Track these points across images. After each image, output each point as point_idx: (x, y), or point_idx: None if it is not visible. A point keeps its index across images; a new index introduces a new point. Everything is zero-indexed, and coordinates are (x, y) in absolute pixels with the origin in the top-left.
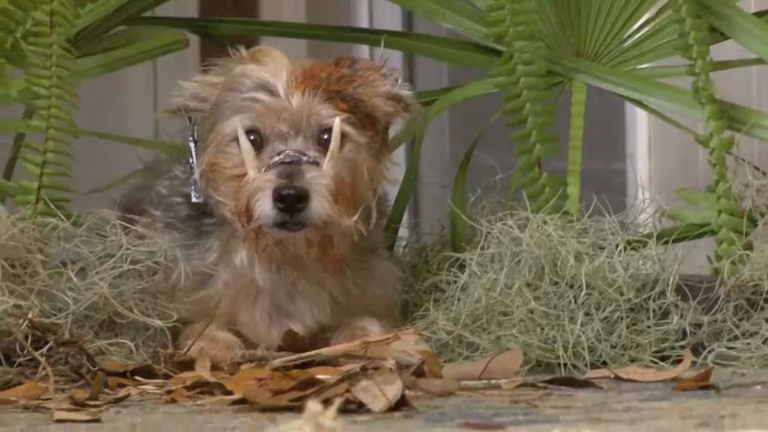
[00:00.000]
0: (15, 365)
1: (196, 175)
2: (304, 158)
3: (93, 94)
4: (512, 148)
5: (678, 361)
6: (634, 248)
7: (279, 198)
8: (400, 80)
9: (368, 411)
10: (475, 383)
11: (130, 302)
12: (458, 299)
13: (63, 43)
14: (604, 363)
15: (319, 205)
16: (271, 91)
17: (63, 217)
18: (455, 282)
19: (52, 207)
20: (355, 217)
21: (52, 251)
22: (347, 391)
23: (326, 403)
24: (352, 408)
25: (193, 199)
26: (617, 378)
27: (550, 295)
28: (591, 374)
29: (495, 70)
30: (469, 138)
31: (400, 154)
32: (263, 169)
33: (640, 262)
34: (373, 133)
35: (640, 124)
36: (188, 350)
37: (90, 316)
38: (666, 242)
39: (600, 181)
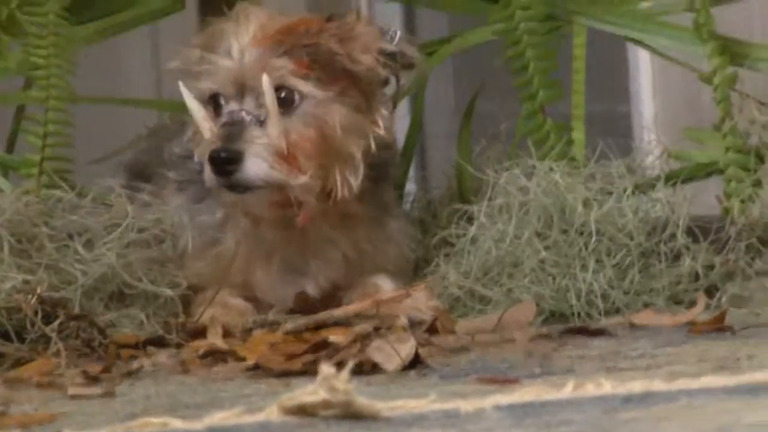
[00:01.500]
0: (26, 342)
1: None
2: (248, 118)
3: (92, 61)
4: (516, 96)
5: (692, 304)
6: (642, 191)
7: (211, 160)
8: (398, 35)
9: (382, 371)
10: (489, 337)
11: (139, 272)
12: (468, 252)
13: (59, 11)
14: (618, 310)
15: (255, 166)
16: (228, 52)
17: (67, 189)
18: (464, 235)
19: (56, 179)
20: (308, 175)
21: (58, 224)
22: (360, 351)
23: (340, 365)
24: (367, 369)
25: (196, 159)
26: (632, 324)
27: (560, 244)
28: (605, 322)
29: (494, 16)
30: (473, 87)
31: (403, 106)
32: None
33: (649, 205)
34: (348, 85)
35: (642, 64)
36: (199, 318)
37: (99, 288)
38: (674, 183)
39: (605, 124)
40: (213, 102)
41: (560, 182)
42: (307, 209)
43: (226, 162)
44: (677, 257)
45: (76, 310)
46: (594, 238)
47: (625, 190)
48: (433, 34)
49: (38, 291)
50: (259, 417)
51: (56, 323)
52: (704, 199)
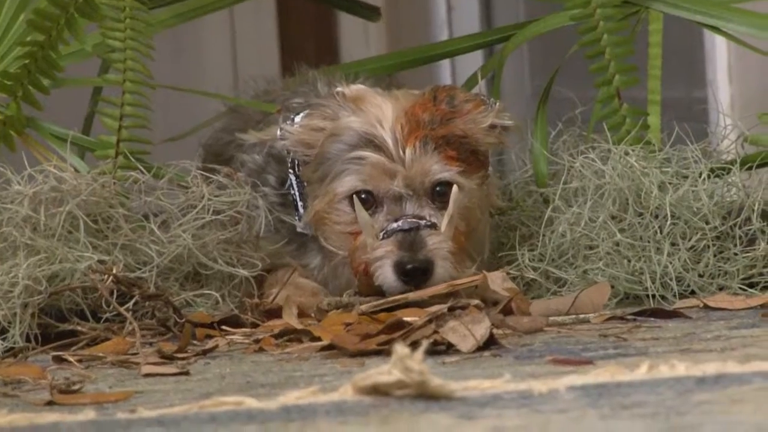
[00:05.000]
0: (101, 321)
1: (301, 211)
2: (423, 222)
3: (170, 44)
4: (591, 81)
5: (766, 287)
6: (717, 176)
7: (403, 273)
8: (498, 106)
9: (457, 351)
10: (563, 319)
11: (214, 253)
12: (543, 234)
13: None
14: (693, 292)
15: (443, 270)
16: (380, 147)
17: (143, 170)
18: (540, 218)
19: (132, 160)
20: (474, 267)
21: (134, 205)
22: (435, 332)
23: (414, 345)
24: (441, 349)
25: (299, 229)
26: (706, 307)
27: (635, 227)
28: (679, 304)
29: (570, 2)
30: (549, 72)
31: (481, 90)
32: (380, 234)
33: (725, 189)
34: (480, 168)
35: (719, 49)
36: (274, 298)
37: (174, 268)
38: (749, 168)
39: (681, 109)
40: (359, 199)
41: (636, 166)
42: None
43: (421, 273)
44: (752, 241)
45: (152, 290)
46: (669, 221)
47: (700, 174)
48: (510, 20)
49: (114, 271)
50: (334, 396)
51: (131, 303)
52: None
